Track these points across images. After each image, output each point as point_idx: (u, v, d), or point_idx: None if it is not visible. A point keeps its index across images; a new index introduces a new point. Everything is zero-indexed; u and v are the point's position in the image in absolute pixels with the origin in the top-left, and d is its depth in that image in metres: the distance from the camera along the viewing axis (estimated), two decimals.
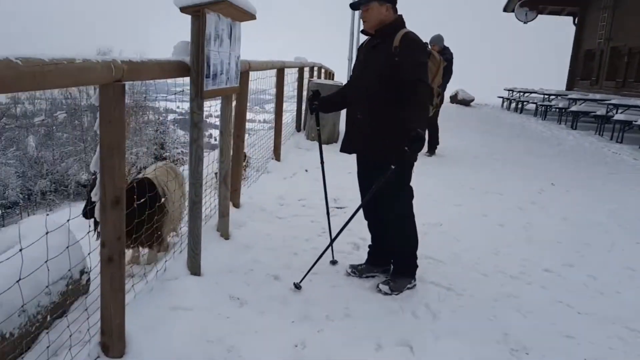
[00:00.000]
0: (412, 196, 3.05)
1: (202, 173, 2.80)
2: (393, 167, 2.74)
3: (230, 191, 4.11)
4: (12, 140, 36.38)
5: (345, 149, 3.13)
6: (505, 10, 21.34)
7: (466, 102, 18.64)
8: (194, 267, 2.90)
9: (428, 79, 2.84)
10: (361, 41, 3.32)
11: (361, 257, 3.44)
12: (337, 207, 4.70)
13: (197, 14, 2.53)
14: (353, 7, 3.10)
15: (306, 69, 9.11)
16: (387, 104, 2.84)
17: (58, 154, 37.13)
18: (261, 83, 6.08)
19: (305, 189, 5.23)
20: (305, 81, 8.78)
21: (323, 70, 13.17)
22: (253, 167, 6.28)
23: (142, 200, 3.02)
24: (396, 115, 2.77)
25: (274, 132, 6.49)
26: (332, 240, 3.22)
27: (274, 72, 6.13)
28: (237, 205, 4.26)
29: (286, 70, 7.76)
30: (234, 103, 4.07)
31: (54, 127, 38.59)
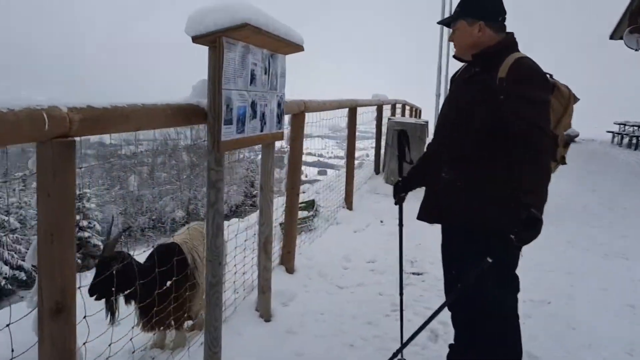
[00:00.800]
0: (517, 289, 2.17)
1: (222, 247, 2.17)
2: (489, 259, 1.92)
3: (283, 253, 3.47)
4: (117, 179, 39.07)
5: (424, 215, 2.29)
6: (612, 37, 19.41)
7: (570, 138, 16.82)
8: None
9: (550, 124, 1.96)
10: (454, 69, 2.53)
11: (440, 355, 2.60)
12: (414, 273, 3.87)
13: (213, 45, 1.95)
14: (443, 24, 2.34)
15: (386, 107, 8.43)
16: (487, 160, 2.01)
17: (157, 192, 39.25)
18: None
19: (377, 247, 4.46)
20: (385, 119, 8.09)
21: (408, 108, 12.44)
22: (322, 217, 5.63)
23: (167, 269, 2.46)
24: (501, 177, 1.96)
25: (345, 177, 5.82)
26: (403, 346, 2.38)
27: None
28: (290, 269, 3.59)
29: (365, 109, 7.17)
30: (285, 151, 3.48)
31: (154, 167, 40.95)
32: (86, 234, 30.02)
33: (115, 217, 34.35)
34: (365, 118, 7.37)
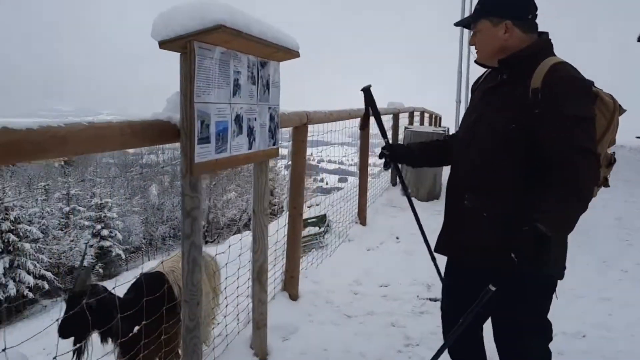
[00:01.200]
0: (549, 338, 1.82)
1: (199, 285, 1.87)
2: (492, 287, 1.61)
3: (286, 278, 3.16)
4: (139, 188, 39.34)
5: (444, 248, 1.97)
6: None
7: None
8: None
9: (596, 145, 1.61)
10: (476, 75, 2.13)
11: None
12: (430, 299, 3.51)
13: (184, 51, 1.67)
14: (462, 25, 1.98)
15: (403, 115, 8.08)
16: (517, 187, 1.68)
17: (177, 202, 39.36)
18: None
19: (392, 268, 4.11)
20: (402, 128, 7.74)
21: (427, 115, 12.05)
22: (334, 233, 5.31)
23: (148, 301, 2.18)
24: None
25: (358, 190, 5.49)
26: None
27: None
28: (294, 296, 3.27)
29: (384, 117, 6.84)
30: (283, 167, 3.18)
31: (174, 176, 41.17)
32: (107, 243, 30.30)
33: (138, 227, 34.52)
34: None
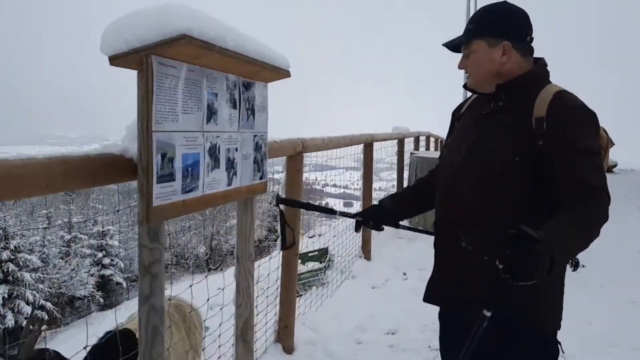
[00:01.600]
0: None
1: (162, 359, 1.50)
2: (487, 313, 1.35)
3: (280, 328, 2.78)
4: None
5: (435, 297, 1.74)
6: None
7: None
8: None
9: (605, 180, 1.42)
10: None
11: None
12: None
13: (140, 68, 1.34)
14: (451, 47, 1.73)
15: (408, 140, 7.76)
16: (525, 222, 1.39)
17: (180, 228, 39.01)
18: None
19: (399, 310, 3.72)
20: (407, 154, 7.41)
21: (432, 139, 11.75)
22: (337, 268, 4.92)
23: None
24: None
25: None
26: None
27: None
28: (289, 348, 2.88)
29: (387, 143, 6.55)
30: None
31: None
32: (108, 272, 29.84)
33: (130, 259, 34.05)
34: (384, 153, 6.72)
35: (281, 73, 1.94)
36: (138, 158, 1.35)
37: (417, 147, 8.79)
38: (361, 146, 4.77)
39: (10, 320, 23.40)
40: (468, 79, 1.67)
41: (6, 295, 23.99)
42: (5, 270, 24.41)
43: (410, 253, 5.29)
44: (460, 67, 1.68)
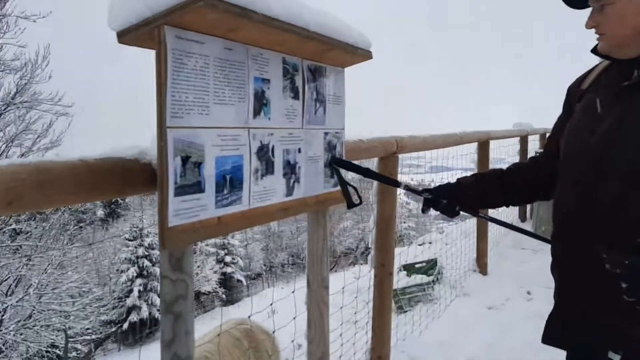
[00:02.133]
0: None
1: None
2: (614, 356, 1.02)
3: (372, 358, 2.38)
4: None
5: (561, 338, 1.29)
6: None
7: None
8: None
9: None
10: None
11: None
12: None
13: (155, 46, 1.02)
14: (572, 3, 1.28)
15: (532, 138, 6.87)
16: None
17: (295, 229, 39.98)
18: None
19: (523, 340, 3.10)
20: (532, 153, 6.56)
21: None
22: (447, 283, 4.38)
23: None
24: None
25: (475, 232, 4.50)
26: None
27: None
28: None
29: (507, 141, 5.84)
30: (374, 210, 2.42)
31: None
32: (230, 270, 31.46)
33: (258, 253, 35.46)
34: (505, 153, 5.97)
35: (358, 54, 1.54)
36: (158, 162, 1.04)
37: (543, 146, 7.81)
38: (473, 146, 4.18)
39: (145, 312, 25.58)
40: (600, 40, 1.24)
41: (142, 289, 26.25)
42: (141, 265, 26.73)
43: (535, 266, 4.56)
44: (589, 25, 1.23)
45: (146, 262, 26.67)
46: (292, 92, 1.39)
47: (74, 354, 14.54)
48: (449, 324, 3.43)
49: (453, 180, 1.62)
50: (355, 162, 1.73)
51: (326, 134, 1.58)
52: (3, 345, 11.94)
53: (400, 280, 4.40)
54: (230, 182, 1.17)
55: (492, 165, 4.64)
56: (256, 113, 1.25)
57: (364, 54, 1.56)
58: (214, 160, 1.12)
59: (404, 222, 32.31)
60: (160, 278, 1.11)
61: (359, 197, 1.57)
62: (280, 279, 36.56)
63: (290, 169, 1.41)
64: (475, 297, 4.00)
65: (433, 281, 4.40)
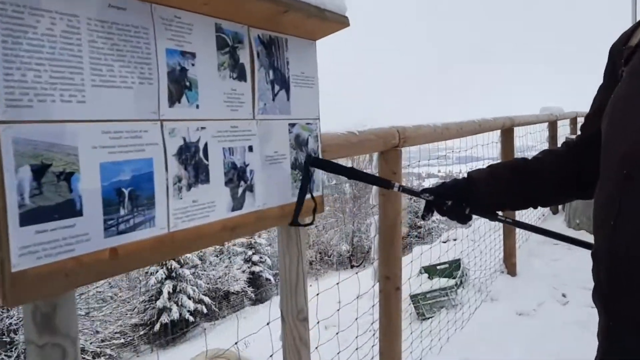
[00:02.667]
0: None
1: None
2: None
3: None
4: None
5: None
6: None
7: None
8: None
9: None
10: None
11: None
12: None
13: None
14: None
15: (562, 123, 6.36)
16: None
17: (322, 226, 39.75)
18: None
19: (559, 353, 2.69)
20: (562, 139, 6.05)
21: None
22: (472, 286, 3.97)
23: None
24: None
25: (502, 227, 4.06)
26: None
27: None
28: None
29: (535, 127, 5.39)
30: (375, 215, 2.06)
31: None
32: (258, 269, 31.44)
33: (277, 257, 35.34)
34: (532, 140, 5.50)
35: (328, 19, 1.17)
36: None
37: (574, 131, 7.26)
38: (496, 134, 3.75)
39: (175, 313, 25.71)
40: None
41: (171, 290, 26.39)
42: (170, 267, 26.88)
43: (571, 264, 4.10)
44: None
45: (174, 264, 26.82)
46: (234, 71, 1.04)
47: (102, 359, 14.59)
48: (473, 336, 3.03)
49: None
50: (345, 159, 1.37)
51: (292, 125, 1.22)
52: None
53: (422, 284, 4.02)
54: (131, 197, 0.83)
55: (523, 152, 4.21)
56: (174, 100, 0.90)
57: (336, 20, 1.20)
58: (98, 167, 0.77)
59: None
60: (26, 343, 0.77)
61: (314, 213, 1.21)
62: (309, 276, 36.41)
63: (238, 174, 1.06)
64: (504, 302, 3.58)
65: (457, 284, 4.00)
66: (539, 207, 1.22)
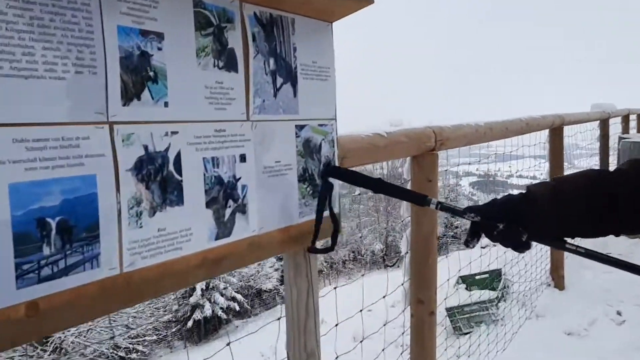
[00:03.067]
0: None
1: None
2: None
3: None
4: None
5: None
6: None
7: None
8: None
9: None
10: None
11: None
12: None
13: None
14: None
15: (614, 121, 5.90)
16: None
17: (356, 225, 39.43)
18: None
19: None
20: (614, 138, 5.61)
21: None
22: (515, 300, 3.65)
23: None
24: None
25: None
26: None
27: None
28: None
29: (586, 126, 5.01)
30: (406, 231, 1.81)
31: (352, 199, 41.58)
32: None
33: None
34: (582, 139, 5.09)
35: None
36: None
37: (626, 130, 6.76)
38: (540, 134, 3.42)
39: (208, 310, 25.96)
40: None
41: (204, 287, 26.66)
42: None
43: (626, 278, 3.70)
44: None
45: None
46: (219, 59, 0.80)
47: (134, 355, 14.76)
48: (516, 358, 2.73)
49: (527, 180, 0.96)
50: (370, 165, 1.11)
51: (300, 127, 0.98)
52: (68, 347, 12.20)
53: (459, 294, 3.72)
54: (61, 230, 0.60)
55: (572, 151, 3.84)
56: (130, 95, 0.67)
57: None
58: (6, 190, 0.55)
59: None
60: None
61: (334, 237, 0.97)
62: (342, 274, 36.16)
63: (224, 191, 0.82)
64: (551, 319, 3.24)
65: (497, 297, 3.68)
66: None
